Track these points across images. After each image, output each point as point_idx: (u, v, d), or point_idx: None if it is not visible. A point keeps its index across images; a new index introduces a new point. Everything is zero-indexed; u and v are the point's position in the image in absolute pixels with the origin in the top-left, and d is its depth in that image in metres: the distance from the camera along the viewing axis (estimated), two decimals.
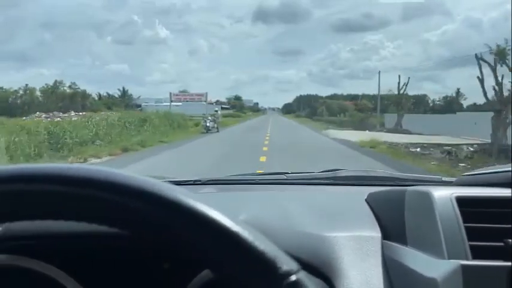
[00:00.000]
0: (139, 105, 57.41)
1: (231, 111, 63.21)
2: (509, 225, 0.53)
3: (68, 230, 0.63)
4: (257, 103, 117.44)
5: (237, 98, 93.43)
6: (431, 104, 70.33)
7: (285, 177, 1.26)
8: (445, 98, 68.94)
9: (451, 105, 57.87)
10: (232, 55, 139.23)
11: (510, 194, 0.58)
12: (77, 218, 0.34)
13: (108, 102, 55.85)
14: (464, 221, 0.54)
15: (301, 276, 0.33)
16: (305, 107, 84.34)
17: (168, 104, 66.63)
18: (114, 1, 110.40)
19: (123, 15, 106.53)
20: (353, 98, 70.46)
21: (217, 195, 1.12)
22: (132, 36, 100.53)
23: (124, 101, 60.64)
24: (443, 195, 0.58)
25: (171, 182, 1.23)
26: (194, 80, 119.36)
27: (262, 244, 0.33)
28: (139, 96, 69.05)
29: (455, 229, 0.53)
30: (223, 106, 68.00)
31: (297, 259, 0.36)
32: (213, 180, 1.27)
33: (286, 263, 0.33)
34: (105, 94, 62.10)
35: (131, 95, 64.91)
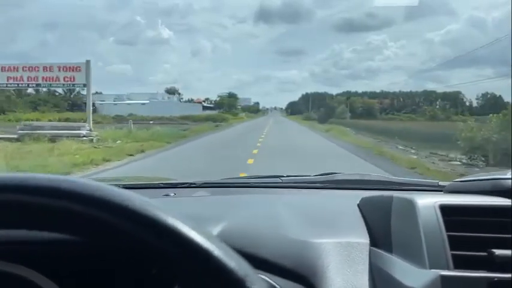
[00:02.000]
0: (93, 105, 44.17)
1: (213, 113, 47.20)
2: (494, 235, 0.52)
3: (48, 236, 0.58)
4: (257, 102, 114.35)
5: (231, 96, 77.31)
6: (467, 104, 63.45)
7: (280, 181, 1.25)
8: (485, 95, 61.09)
9: (494, 105, 45.61)
10: (235, 55, 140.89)
11: (497, 203, 0.58)
12: (39, 227, 0.34)
13: (36, 100, 39.52)
14: (448, 230, 0.53)
15: None
16: (315, 107, 71.63)
17: (131, 102, 49.97)
18: (117, 2, 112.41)
19: (126, 16, 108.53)
20: (369, 96, 55.41)
21: (211, 198, 1.12)
22: (135, 36, 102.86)
23: (69, 98, 44.64)
24: (427, 203, 0.57)
25: (166, 184, 1.21)
26: (196, 80, 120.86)
27: (233, 262, 0.32)
28: (96, 92, 53.13)
29: (438, 238, 0.52)
30: (205, 105, 51.69)
31: (283, 266, 0.41)
32: (208, 183, 1.26)
33: (256, 283, 0.32)
34: (45, 90, 45.88)
35: (83, 89, 48.97)
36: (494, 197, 0.62)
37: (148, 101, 48.40)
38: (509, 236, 0.52)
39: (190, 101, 60.33)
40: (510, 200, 0.58)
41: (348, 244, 0.63)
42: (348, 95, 62.58)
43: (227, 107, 58.53)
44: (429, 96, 68.77)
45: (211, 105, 58.85)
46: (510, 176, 0.65)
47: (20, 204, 0.33)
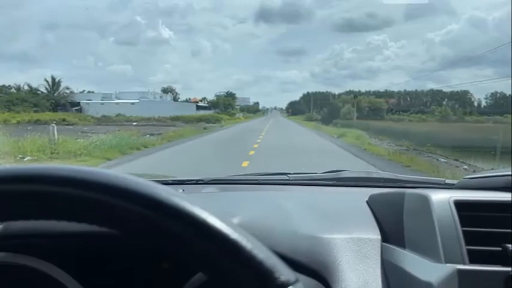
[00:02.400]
0: (78, 104, 42.94)
1: (207, 113, 43.59)
2: (508, 230, 0.53)
3: (66, 229, 0.64)
4: (257, 102, 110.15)
5: (229, 95, 73.68)
6: (475, 104, 60.67)
7: (288, 178, 1.25)
8: (494, 95, 58.12)
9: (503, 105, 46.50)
10: (235, 55, 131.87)
11: (509, 198, 0.57)
12: (67, 218, 0.34)
13: (14, 99, 36.13)
14: (462, 225, 0.53)
15: (299, 286, 0.33)
16: (316, 106, 68.14)
17: (119, 101, 46.03)
18: (117, 2, 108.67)
19: (126, 16, 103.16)
20: (375, 95, 52.08)
21: (219, 195, 1.13)
22: (135, 37, 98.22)
23: (53, 97, 41.02)
24: (442, 198, 0.58)
25: (174, 181, 1.23)
26: (197, 80, 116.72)
27: (261, 253, 0.33)
28: (84, 91, 49.45)
29: (453, 233, 0.53)
30: (199, 105, 48.06)
31: (295, 261, 0.41)
32: (215, 180, 1.26)
33: (283, 273, 0.33)
34: (27, 88, 42.45)
35: (68, 89, 45.05)
36: (506, 192, 0.62)
37: (138, 100, 44.72)
38: None
39: (188, 100, 56.88)
40: None
41: (359, 240, 0.63)
42: (351, 94, 59.48)
43: (223, 107, 55.10)
44: (435, 96, 65.54)
45: (206, 105, 55.25)
46: None
47: (50, 194, 0.33)
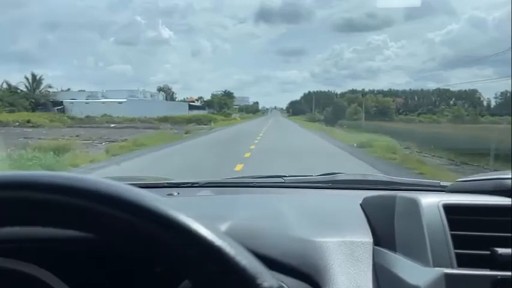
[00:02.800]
0: (60, 103, 39.80)
1: (200, 113, 40.13)
2: (497, 234, 0.53)
3: (57, 233, 0.64)
4: (257, 102, 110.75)
5: (227, 94, 70.38)
6: (485, 103, 58.47)
7: (283, 181, 1.26)
8: (504, 94, 53.88)
9: None
10: (235, 56, 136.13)
11: (500, 202, 0.58)
12: (53, 224, 0.34)
13: None
14: (451, 229, 0.54)
15: None
16: (318, 106, 64.86)
17: (106, 100, 42.32)
18: (117, 2, 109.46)
19: (126, 16, 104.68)
20: (382, 94, 48.44)
21: (214, 198, 1.14)
22: (135, 37, 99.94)
23: (33, 96, 37.50)
24: (431, 202, 0.58)
25: (170, 184, 1.22)
26: (197, 80, 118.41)
27: (244, 259, 0.33)
28: (69, 89, 45.85)
29: (442, 237, 0.53)
30: (191, 104, 44.52)
31: (287, 264, 0.41)
32: (210, 182, 1.27)
33: (266, 280, 0.33)
34: (6, 86, 38.92)
35: (50, 87, 41.55)
36: (496, 196, 0.63)
37: (125, 100, 41.14)
38: (511, 234, 0.53)
39: (185, 100, 53.46)
40: (511, 200, 0.59)
41: (351, 243, 0.63)
42: (356, 93, 55.97)
43: (218, 107, 51.49)
44: (442, 95, 62.10)
45: (199, 105, 51.77)
46: (511, 176, 0.66)
47: (38, 201, 0.33)
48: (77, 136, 15.27)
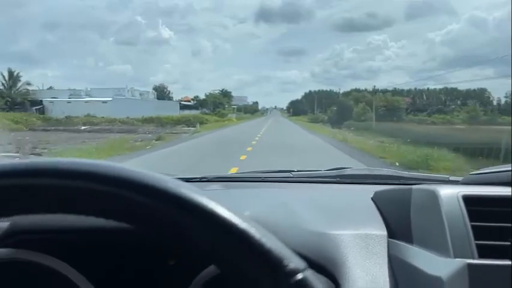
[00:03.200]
0: (40, 103, 36.98)
1: (192, 113, 36.64)
2: None
3: (74, 224, 0.66)
4: (256, 102, 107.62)
5: (224, 93, 66.96)
6: (495, 103, 55.17)
7: (291, 175, 1.27)
8: None
9: None
10: (236, 56, 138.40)
11: None
12: (86, 212, 0.34)
13: None
14: (471, 220, 0.54)
15: (308, 274, 0.33)
16: (321, 106, 61.57)
17: (90, 99, 38.95)
18: (118, 2, 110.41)
19: (126, 16, 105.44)
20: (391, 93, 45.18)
21: (224, 192, 1.12)
22: (135, 37, 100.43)
23: (9, 94, 34.32)
24: (450, 193, 0.58)
25: (177, 179, 1.20)
26: (197, 80, 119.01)
27: (270, 242, 0.33)
28: (51, 87, 42.28)
29: (462, 228, 0.53)
30: (183, 103, 41.12)
31: (302, 256, 0.39)
32: (219, 177, 1.27)
33: (293, 261, 0.33)
34: None
35: (29, 84, 38.10)
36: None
37: (111, 99, 37.60)
38: None
39: (181, 100, 49.95)
40: None
41: (365, 236, 0.63)
42: (361, 92, 52.56)
43: (213, 106, 47.27)
44: (450, 94, 58.71)
45: (191, 104, 48.23)
46: None
47: (62, 188, 0.33)
48: (10, 144, 11.75)
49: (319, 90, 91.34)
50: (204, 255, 0.34)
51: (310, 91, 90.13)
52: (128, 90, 41.90)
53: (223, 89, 70.26)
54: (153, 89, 51.99)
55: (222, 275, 0.34)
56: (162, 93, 51.82)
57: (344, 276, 0.55)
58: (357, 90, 53.33)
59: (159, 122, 27.75)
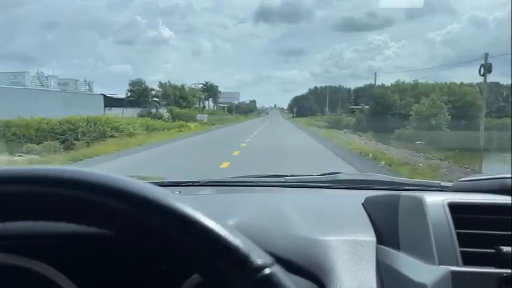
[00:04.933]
0: None
1: (111, 113, 20.43)
2: (502, 232, 0.53)
3: (61, 230, 0.65)
4: (254, 100, 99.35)
5: (208, 87, 51.79)
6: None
7: (284, 180, 1.26)
8: None
9: None
10: (236, 56, 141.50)
11: (503, 201, 0.59)
12: (66, 219, 0.35)
13: None
14: (456, 227, 0.54)
15: (275, 269, 0.33)
16: (333, 104, 50.01)
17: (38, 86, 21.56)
18: (117, 1, 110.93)
19: (126, 16, 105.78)
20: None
21: (215, 196, 1.13)
22: (135, 36, 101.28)
23: None
24: (436, 201, 0.58)
25: (170, 183, 1.21)
26: (197, 80, 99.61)
27: (236, 238, 0.34)
28: None
29: (447, 235, 0.53)
30: (110, 96, 25.26)
31: (291, 262, 0.41)
32: (212, 182, 1.27)
33: (260, 257, 0.33)
34: None
35: None
36: (499, 195, 0.63)
37: (59, 90, 26.62)
38: None
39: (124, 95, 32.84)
40: None
41: (354, 242, 0.63)
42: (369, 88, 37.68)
43: (174, 102, 30.57)
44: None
45: (123, 98, 30.83)
46: (511, 176, 0.68)
47: (49, 195, 0.33)
48: None
49: (325, 87, 77.20)
50: (183, 259, 0.34)
51: (315, 87, 78.04)
52: (33, 77, 26.23)
53: (207, 82, 54.58)
54: (129, 84, 35.27)
55: (206, 282, 0.35)
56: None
57: (332, 281, 0.55)
58: (370, 87, 37.76)
59: (24, 130, 12.60)
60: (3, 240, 0.64)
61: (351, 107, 41.75)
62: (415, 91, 24.68)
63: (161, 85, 32.31)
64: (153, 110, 26.91)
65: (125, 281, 0.66)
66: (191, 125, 25.09)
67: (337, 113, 39.40)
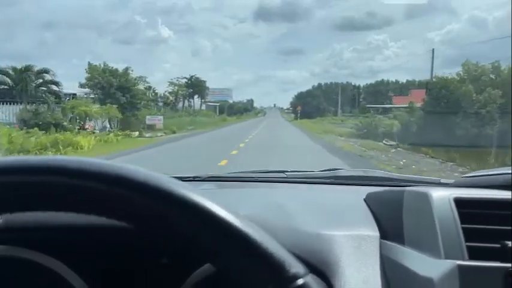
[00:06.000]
0: None
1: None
2: (507, 227, 0.54)
3: (66, 222, 0.66)
4: (251, 100, 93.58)
5: (194, 83, 42.19)
6: None
7: (285, 176, 1.27)
8: None
9: None
10: (235, 55, 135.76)
11: (508, 196, 0.59)
12: (78, 209, 0.34)
13: None
14: (462, 222, 0.55)
15: (309, 279, 0.33)
16: (345, 103, 36.45)
17: None
18: (117, 1, 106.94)
19: (125, 15, 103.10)
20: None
21: (217, 191, 1.13)
22: (134, 36, 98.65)
23: None
24: (442, 196, 0.59)
25: (171, 177, 1.37)
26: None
27: (271, 247, 0.33)
28: None
29: (453, 230, 0.54)
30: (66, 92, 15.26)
31: (296, 257, 0.41)
32: (213, 177, 1.27)
33: (293, 266, 0.33)
34: None
35: None
36: (503, 190, 0.63)
37: None
38: None
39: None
40: None
41: (358, 236, 0.64)
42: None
43: (107, 94, 20.64)
44: None
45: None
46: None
47: (61, 185, 0.33)
48: None
49: (330, 83, 67.93)
50: (203, 254, 0.33)
51: (319, 84, 70.86)
52: None
53: (192, 76, 45.20)
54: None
55: (215, 275, 0.33)
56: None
57: (336, 276, 0.56)
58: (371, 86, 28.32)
59: None
60: (9, 232, 0.63)
61: (368, 105, 32.44)
62: (498, 80, 15.46)
63: (90, 67, 22.04)
64: (43, 107, 16.61)
65: (128, 273, 0.66)
66: (85, 140, 13.06)
67: (339, 113, 30.60)
